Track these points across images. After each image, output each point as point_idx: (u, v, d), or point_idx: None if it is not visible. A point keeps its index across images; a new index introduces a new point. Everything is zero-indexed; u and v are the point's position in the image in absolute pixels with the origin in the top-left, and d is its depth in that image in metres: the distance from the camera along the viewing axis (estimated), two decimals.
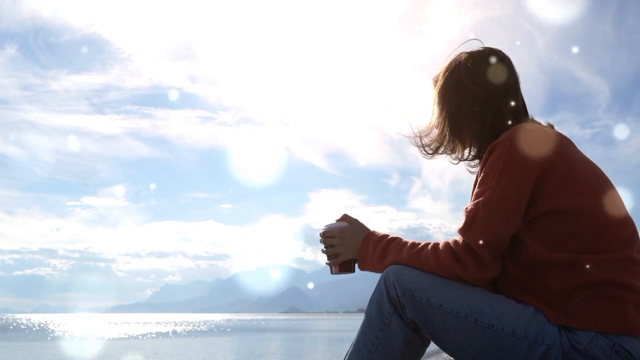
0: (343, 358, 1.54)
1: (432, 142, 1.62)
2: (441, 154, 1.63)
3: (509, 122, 1.50)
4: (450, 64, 1.61)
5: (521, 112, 1.55)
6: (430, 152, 1.63)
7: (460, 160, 1.63)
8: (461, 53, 1.61)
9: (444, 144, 1.60)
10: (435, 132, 1.62)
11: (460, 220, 1.46)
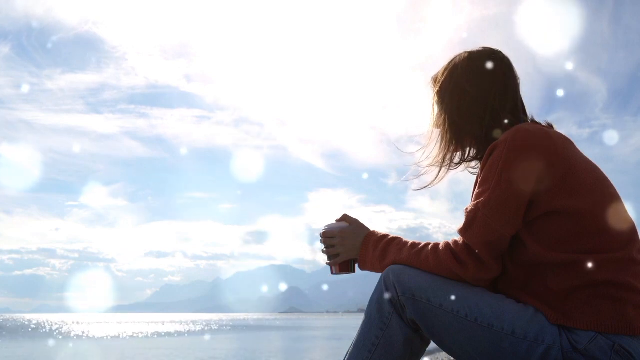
0: (343, 358, 1.54)
1: (434, 155, 1.61)
2: (446, 166, 1.61)
3: (509, 123, 1.50)
4: (449, 64, 1.61)
5: (520, 112, 1.55)
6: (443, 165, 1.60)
7: (458, 163, 1.63)
8: (461, 53, 1.61)
9: (444, 147, 1.59)
10: (433, 147, 1.61)
11: (459, 220, 1.46)
